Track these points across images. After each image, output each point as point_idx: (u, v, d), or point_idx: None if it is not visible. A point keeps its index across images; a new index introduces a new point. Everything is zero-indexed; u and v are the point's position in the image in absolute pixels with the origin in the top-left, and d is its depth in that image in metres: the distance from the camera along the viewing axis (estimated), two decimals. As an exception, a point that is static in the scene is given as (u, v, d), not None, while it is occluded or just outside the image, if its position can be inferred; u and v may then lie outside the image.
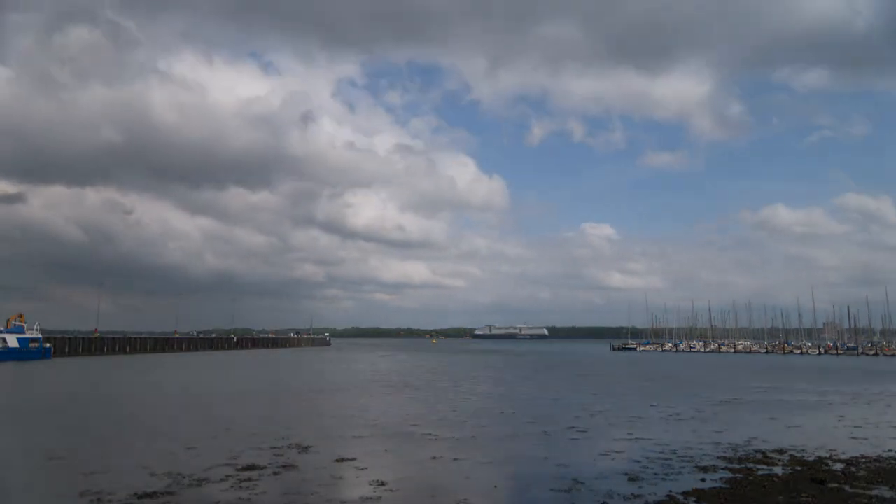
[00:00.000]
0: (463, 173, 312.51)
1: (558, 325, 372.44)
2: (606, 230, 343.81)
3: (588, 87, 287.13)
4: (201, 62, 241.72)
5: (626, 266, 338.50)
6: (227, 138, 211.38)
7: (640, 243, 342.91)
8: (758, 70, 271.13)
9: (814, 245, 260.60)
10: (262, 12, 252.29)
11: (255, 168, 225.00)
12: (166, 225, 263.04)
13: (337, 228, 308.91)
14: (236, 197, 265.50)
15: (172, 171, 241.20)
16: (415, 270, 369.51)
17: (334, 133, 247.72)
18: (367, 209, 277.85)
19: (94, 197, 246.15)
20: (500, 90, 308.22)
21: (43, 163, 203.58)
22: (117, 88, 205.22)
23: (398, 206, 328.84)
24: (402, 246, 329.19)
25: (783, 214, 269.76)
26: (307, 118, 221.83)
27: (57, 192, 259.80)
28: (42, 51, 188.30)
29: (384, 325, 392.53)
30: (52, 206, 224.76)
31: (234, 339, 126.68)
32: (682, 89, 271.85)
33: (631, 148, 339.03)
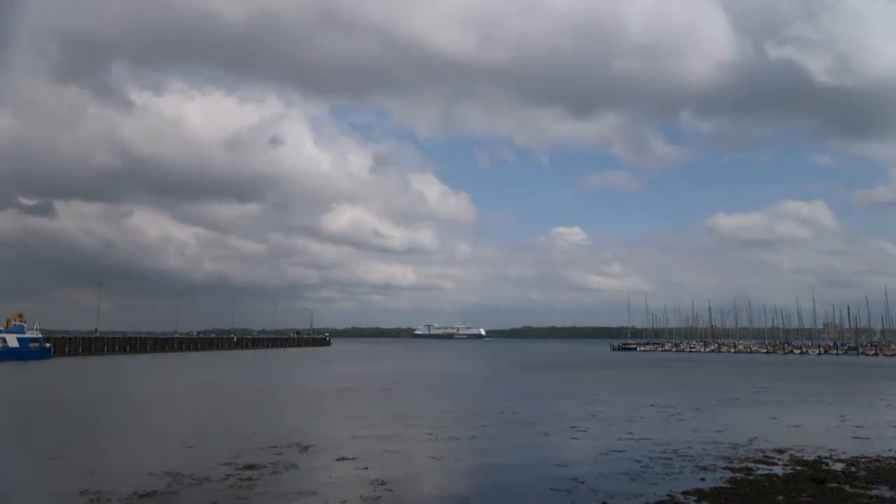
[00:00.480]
0: (431, 190, 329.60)
1: (558, 325, 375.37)
2: (578, 234, 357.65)
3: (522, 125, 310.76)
4: (187, 97, 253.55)
5: (603, 268, 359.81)
6: (214, 160, 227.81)
7: (610, 247, 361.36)
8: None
9: (773, 250, 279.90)
10: (253, 69, 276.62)
11: (243, 183, 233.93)
12: (165, 233, 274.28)
13: (329, 237, 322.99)
14: (228, 208, 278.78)
15: (170, 188, 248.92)
16: (404, 273, 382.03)
17: (314, 154, 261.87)
18: (350, 219, 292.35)
19: (101, 209, 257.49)
20: (454, 130, 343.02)
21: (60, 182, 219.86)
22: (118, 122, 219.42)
23: (378, 217, 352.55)
24: (389, 251, 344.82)
25: (738, 221, 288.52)
26: (278, 141, 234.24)
27: (74, 206, 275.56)
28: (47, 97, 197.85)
29: (384, 325, 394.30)
30: (70, 217, 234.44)
31: (234, 339, 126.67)
32: (603, 127, 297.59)
33: (573, 169, 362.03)
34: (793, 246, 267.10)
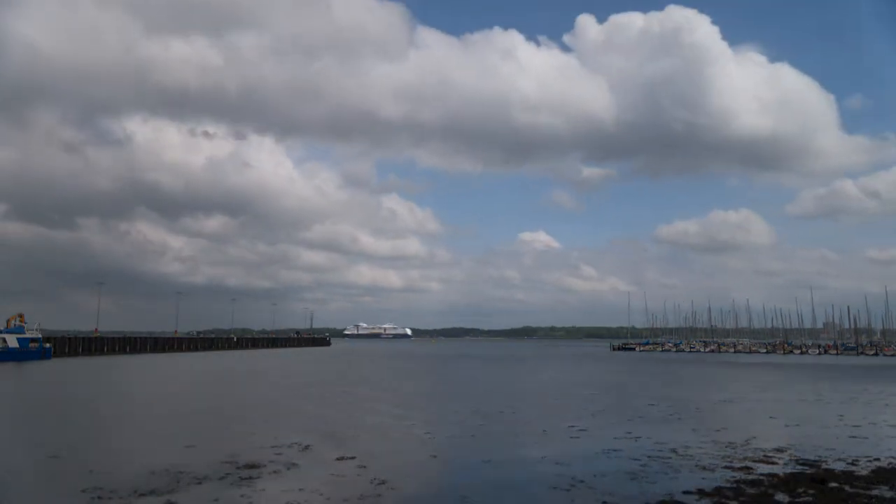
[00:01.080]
0: (399, 207, 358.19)
1: (557, 325, 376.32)
2: (543, 237, 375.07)
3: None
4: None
5: (578, 271, 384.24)
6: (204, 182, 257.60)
7: (578, 253, 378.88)
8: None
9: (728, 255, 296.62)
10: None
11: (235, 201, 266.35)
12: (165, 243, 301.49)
13: (320, 246, 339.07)
14: (222, 222, 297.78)
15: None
16: (386, 277, 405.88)
17: (295, 177, 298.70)
18: (334, 232, 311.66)
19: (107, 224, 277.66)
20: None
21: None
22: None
23: (361, 231, 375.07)
24: (378, 258, 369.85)
25: (684, 227, 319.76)
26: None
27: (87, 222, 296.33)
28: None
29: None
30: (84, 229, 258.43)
31: (234, 339, 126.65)
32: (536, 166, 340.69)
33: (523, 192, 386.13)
34: (743, 251, 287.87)
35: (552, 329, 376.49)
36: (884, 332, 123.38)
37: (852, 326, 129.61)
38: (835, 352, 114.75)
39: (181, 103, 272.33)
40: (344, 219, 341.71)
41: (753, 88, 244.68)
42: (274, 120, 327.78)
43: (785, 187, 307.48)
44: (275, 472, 13.88)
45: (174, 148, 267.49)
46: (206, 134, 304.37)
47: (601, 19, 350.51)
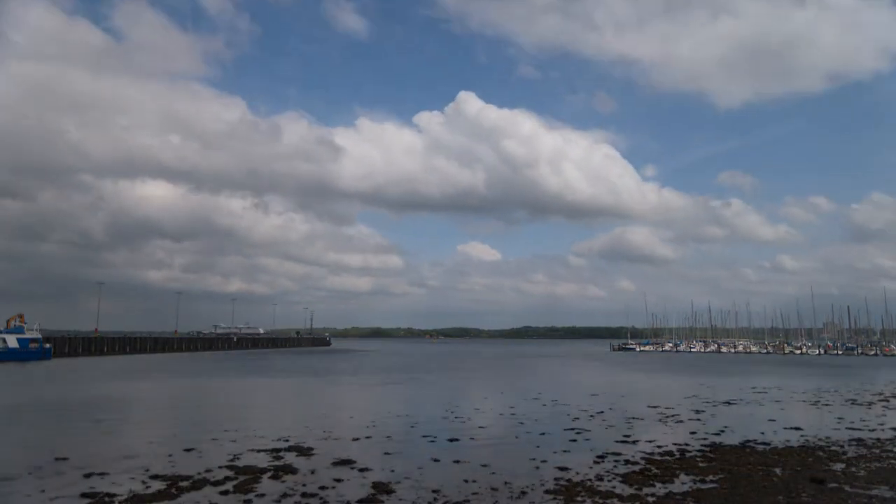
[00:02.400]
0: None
1: (557, 325, 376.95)
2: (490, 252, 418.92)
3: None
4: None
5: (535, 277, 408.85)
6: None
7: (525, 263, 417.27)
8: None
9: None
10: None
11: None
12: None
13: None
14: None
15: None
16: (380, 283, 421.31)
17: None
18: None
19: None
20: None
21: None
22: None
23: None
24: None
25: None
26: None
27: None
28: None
29: (385, 325, 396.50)
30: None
31: (234, 339, 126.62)
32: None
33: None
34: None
35: (552, 329, 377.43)
36: (884, 333, 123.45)
37: (852, 327, 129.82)
38: (835, 352, 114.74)
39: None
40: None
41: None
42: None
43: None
44: (274, 476, 13.87)
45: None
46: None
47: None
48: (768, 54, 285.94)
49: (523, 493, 12.58)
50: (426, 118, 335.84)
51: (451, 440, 18.80)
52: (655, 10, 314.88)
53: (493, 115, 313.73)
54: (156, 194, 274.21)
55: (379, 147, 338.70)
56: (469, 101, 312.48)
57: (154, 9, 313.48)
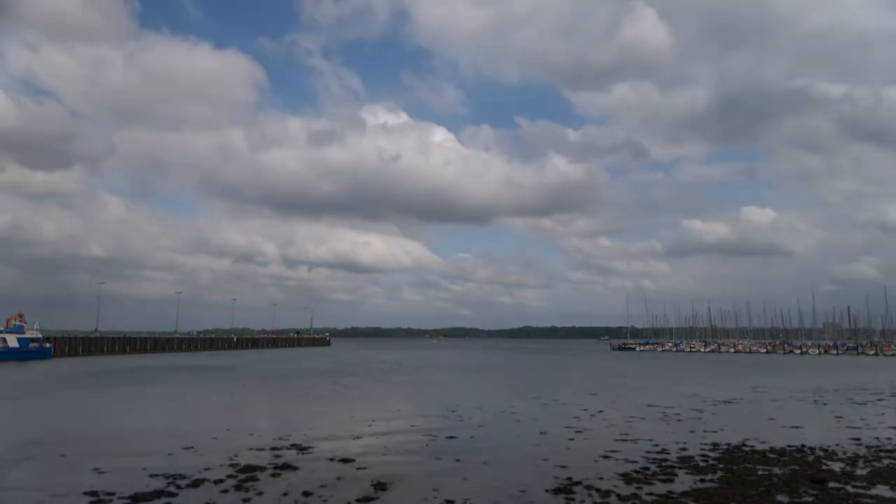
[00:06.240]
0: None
1: (558, 325, 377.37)
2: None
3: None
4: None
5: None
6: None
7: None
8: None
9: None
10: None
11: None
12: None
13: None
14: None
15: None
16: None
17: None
18: None
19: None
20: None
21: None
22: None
23: None
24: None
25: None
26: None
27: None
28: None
29: (384, 325, 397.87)
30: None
31: (235, 339, 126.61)
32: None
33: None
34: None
35: (552, 329, 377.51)
36: (884, 333, 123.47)
37: (852, 327, 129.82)
38: (835, 352, 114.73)
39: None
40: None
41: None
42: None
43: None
44: (274, 474, 13.87)
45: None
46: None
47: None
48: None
49: (523, 491, 12.59)
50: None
51: (449, 437, 18.82)
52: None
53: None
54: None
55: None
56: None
57: None
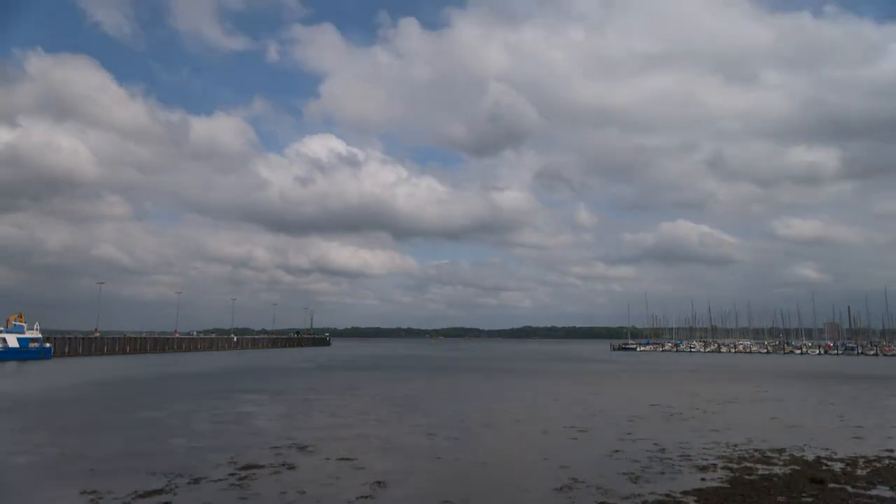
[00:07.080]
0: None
1: (558, 325, 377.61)
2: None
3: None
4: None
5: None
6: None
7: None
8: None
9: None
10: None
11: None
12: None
13: None
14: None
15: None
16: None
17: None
18: None
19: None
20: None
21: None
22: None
23: None
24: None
25: None
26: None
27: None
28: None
29: (384, 325, 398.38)
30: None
31: (235, 339, 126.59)
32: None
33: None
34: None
35: (552, 329, 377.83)
36: (884, 333, 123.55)
37: (852, 327, 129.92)
38: (835, 352, 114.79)
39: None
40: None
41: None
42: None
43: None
44: (274, 473, 13.86)
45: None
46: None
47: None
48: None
49: (524, 491, 12.58)
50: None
51: (449, 437, 18.81)
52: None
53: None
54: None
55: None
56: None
57: None
